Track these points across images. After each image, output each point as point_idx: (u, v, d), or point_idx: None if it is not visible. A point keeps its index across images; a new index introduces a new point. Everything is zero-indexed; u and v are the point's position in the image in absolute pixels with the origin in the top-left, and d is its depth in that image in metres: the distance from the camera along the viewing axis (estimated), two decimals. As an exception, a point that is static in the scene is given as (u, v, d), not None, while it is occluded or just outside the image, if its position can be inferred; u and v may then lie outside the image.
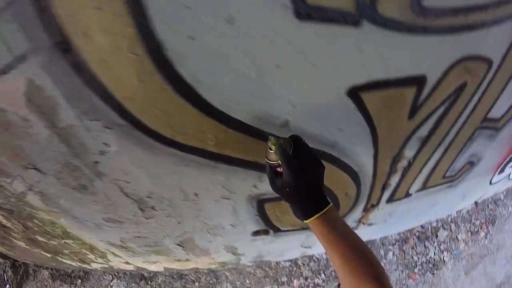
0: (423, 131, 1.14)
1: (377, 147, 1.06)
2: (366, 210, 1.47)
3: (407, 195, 1.56)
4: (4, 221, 1.23)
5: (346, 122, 0.91)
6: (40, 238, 1.38)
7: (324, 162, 0.95)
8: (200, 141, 0.81)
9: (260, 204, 1.14)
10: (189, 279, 1.88)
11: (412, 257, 2.33)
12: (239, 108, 0.74)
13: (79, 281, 1.89)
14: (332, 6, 0.63)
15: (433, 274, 2.33)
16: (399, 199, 1.55)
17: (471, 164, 1.69)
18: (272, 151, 0.74)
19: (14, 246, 1.52)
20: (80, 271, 1.93)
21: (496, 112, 1.36)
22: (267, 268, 1.81)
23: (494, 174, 2.13)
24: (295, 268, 1.84)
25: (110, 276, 1.95)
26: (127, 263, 1.59)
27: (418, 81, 0.92)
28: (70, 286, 1.88)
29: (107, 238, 1.34)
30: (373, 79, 0.83)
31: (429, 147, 1.27)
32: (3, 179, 0.91)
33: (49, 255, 1.58)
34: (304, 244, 1.64)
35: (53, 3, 0.56)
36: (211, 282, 1.87)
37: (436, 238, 2.39)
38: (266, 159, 0.78)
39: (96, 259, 1.59)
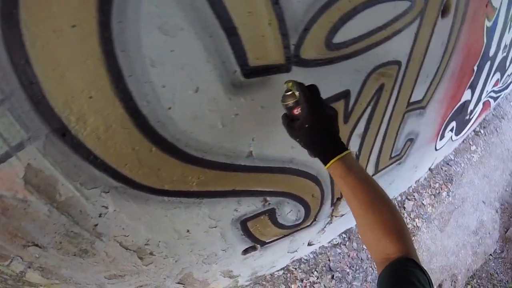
0: (359, 129, 1.41)
1: None
2: (334, 204, 1.72)
3: None
4: (-4, 305, 1.22)
5: (294, 141, 1.12)
6: (33, 314, 1.39)
7: (287, 175, 1.18)
8: (185, 184, 0.99)
9: (243, 224, 1.32)
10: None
11: (387, 231, 2.51)
12: (212, 152, 0.94)
13: None
14: (268, 64, 0.88)
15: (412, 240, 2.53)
16: None
17: (411, 140, 2.03)
18: (289, 93, 0.82)
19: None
20: None
21: (417, 96, 1.69)
22: (264, 282, 1.95)
23: (436, 141, 2.51)
24: (289, 275, 2.00)
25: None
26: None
27: (344, 95, 1.18)
28: None
29: (109, 296, 1.42)
30: None
31: (369, 139, 1.55)
32: (1, 262, 0.94)
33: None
34: (290, 249, 1.85)
35: (48, 96, 0.66)
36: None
37: (404, 209, 2.61)
38: (283, 103, 0.84)
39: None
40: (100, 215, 0.95)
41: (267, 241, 1.56)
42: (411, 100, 1.67)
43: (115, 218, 0.98)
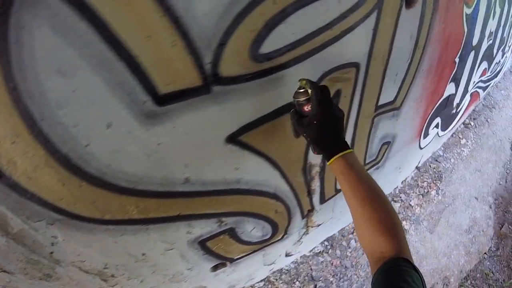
0: None
1: (279, 168, 1.26)
2: (305, 216, 1.69)
3: (338, 191, 1.78)
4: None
5: (238, 161, 1.10)
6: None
7: (238, 196, 1.15)
8: (125, 214, 0.99)
9: (203, 245, 1.30)
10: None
11: (374, 237, 2.39)
12: (143, 182, 0.93)
13: None
14: (182, 88, 0.83)
15: (400, 244, 2.42)
16: (331, 197, 1.76)
17: (388, 143, 1.96)
18: (301, 91, 0.88)
19: None
20: None
21: (387, 97, 1.61)
22: (244, 295, 1.94)
23: (420, 140, 2.42)
24: (270, 286, 1.95)
25: None
26: None
27: (290, 107, 1.04)
28: None
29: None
30: (244, 123, 1.03)
31: None
32: (-23, 289, 0.99)
33: None
34: (266, 262, 1.82)
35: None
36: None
37: None
38: (294, 100, 0.91)
39: None
40: (52, 244, 0.97)
41: (235, 258, 1.54)
42: (380, 103, 1.59)
43: (67, 246, 1.00)
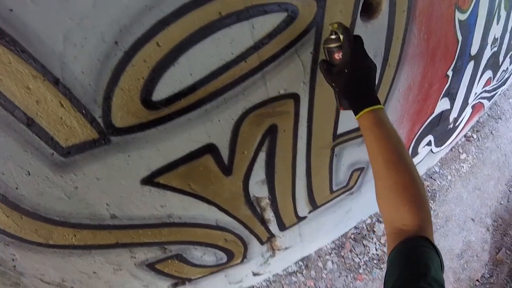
0: (258, 176, 1.36)
1: (214, 204, 1.32)
2: (266, 242, 1.73)
3: (301, 218, 1.78)
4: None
5: (162, 200, 1.17)
6: None
7: (176, 228, 1.24)
8: (65, 240, 1.14)
9: (152, 267, 1.40)
10: None
11: (353, 260, 2.34)
12: (73, 217, 1.08)
13: None
14: (81, 141, 0.89)
15: (381, 268, 2.32)
16: (294, 224, 1.76)
17: (361, 169, 1.88)
18: (333, 37, 0.84)
19: None
20: None
21: (349, 125, 1.52)
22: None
23: None
24: (239, 303, 2.03)
25: None
26: None
27: (208, 149, 1.10)
28: None
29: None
30: (156, 168, 1.07)
31: (282, 181, 1.48)
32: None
33: None
34: (231, 281, 1.89)
35: None
36: None
37: (373, 233, 2.43)
38: (324, 46, 0.86)
39: None
40: (13, 260, 1.14)
41: (193, 278, 1.63)
42: (340, 131, 1.51)
43: (24, 262, 1.15)
